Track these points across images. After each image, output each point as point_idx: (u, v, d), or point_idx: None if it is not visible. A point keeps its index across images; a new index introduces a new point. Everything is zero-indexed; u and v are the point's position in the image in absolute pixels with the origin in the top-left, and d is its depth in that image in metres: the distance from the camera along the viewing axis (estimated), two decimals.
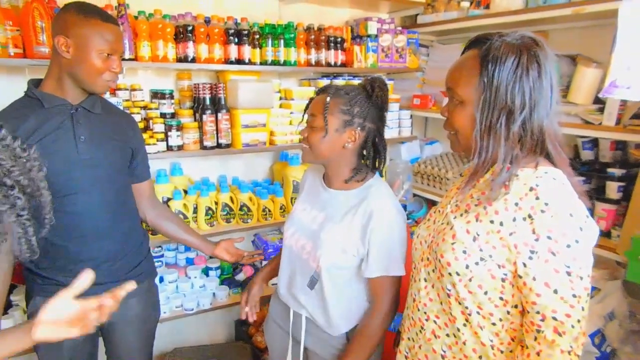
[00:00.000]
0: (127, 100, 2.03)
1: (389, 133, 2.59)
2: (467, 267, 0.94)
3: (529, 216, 0.87)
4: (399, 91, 2.73)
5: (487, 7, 2.34)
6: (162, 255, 2.26)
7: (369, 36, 2.46)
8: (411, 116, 2.72)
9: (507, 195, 0.91)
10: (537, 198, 0.87)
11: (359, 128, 1.26)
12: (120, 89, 2.02)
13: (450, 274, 0.96)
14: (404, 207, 2.68)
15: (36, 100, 1.33)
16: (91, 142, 1.37)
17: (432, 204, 2.75)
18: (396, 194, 2.46)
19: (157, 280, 2.12)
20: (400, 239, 1.26)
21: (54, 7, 1.77)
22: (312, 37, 2.28)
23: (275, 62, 2.20)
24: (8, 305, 1.89)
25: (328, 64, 2.34)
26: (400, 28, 2.60)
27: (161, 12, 1.94)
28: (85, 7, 1.31)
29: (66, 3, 1.36)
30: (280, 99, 2.39)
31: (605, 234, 1.79)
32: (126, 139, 1.49)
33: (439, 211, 1.10)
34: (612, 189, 1.80)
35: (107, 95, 1.98)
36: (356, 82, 2.37)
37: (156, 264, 2.23)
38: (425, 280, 1.06)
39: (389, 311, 1.28)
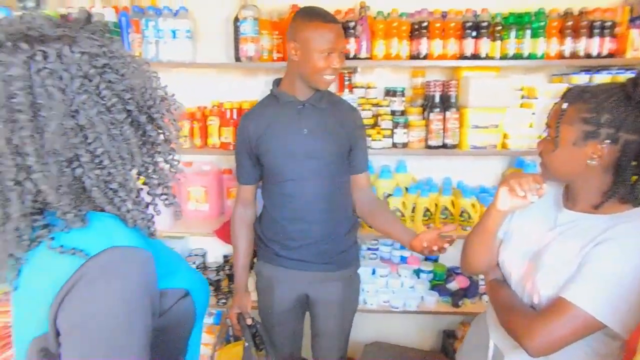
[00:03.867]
0: (362, 98, 2.14)
1: None
2: None
3: None
4: None
5: None
6: (377, 249, 2.32)
7: None
8: None
9: None
10: None
11: (607, 141, 0.97)
12: (356, 87, 2.16)
13: None
14: None
15: (274, 97, 1.54)
16: (313, 135, 1.50)
17: None
18: None
19: (369, 272, 2.22)
20: (629, 286, 0.93)
21: None
22: (569, 23, 1.91)
23: (517, 56, 1.95)
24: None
25: (588, 55, 1.93)
26: None
27: (398, 10, 1.97)
28: (310, 11, 1.42)
29: (297, 10, 1.51)
30: (522, 97, 2.10)
31: None
32: (347, 131, 1.56)
33: None
34: None
35: (345, 93, 2.15)
36: (624, 77, 1.89)
37: (371, 255, 2.32)
38: None
39: (551, 341, 0.97)
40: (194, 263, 2.31)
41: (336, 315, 1.66)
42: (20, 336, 0.65)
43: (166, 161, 0.72)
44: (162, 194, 0.74)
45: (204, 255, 2.42)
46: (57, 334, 0.58)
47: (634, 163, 0.99)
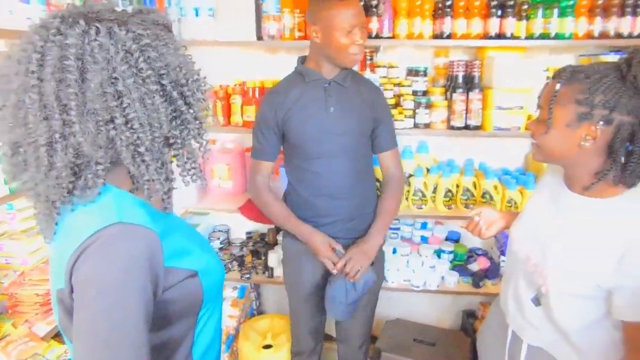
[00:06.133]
0: (383, 77, 2.14)
1: None
2: None
3: None
4: None
5: None
6: (398, 229, 2.35)
7: None
8: None
9: None
10: None
11: (601, 122, 0.94)
12: (378, 66, 2.16)
13: None
14: None
15: (300, 75, 1.56)
16: (339, 113, 1.53)
17: None
18: None
19: (390, 251, 2.25)
20: None
21: None
22: (600, 2, 1.86)
23: (544, 36, 1.92)
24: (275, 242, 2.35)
25: (619, 35, 1.88)
26: None
27: None
28: None
29: None
30: (548, 78, 2.06)
31: None
32: (371, 110, 1.58)
33: None
34: None
35: (367, 72, 2.15)
36: None
37: (392, 235, 2.35)
38: None
39: None
40: (218, 239, 2.39)
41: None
42: (52, 286, 0.74)
43: (195, 139, 0.78)
44: (190, 169, 0.79)
45: (227, 232, 2.49)
46: (72, 290, 0.66)
47: (628, 144, 0.96)
